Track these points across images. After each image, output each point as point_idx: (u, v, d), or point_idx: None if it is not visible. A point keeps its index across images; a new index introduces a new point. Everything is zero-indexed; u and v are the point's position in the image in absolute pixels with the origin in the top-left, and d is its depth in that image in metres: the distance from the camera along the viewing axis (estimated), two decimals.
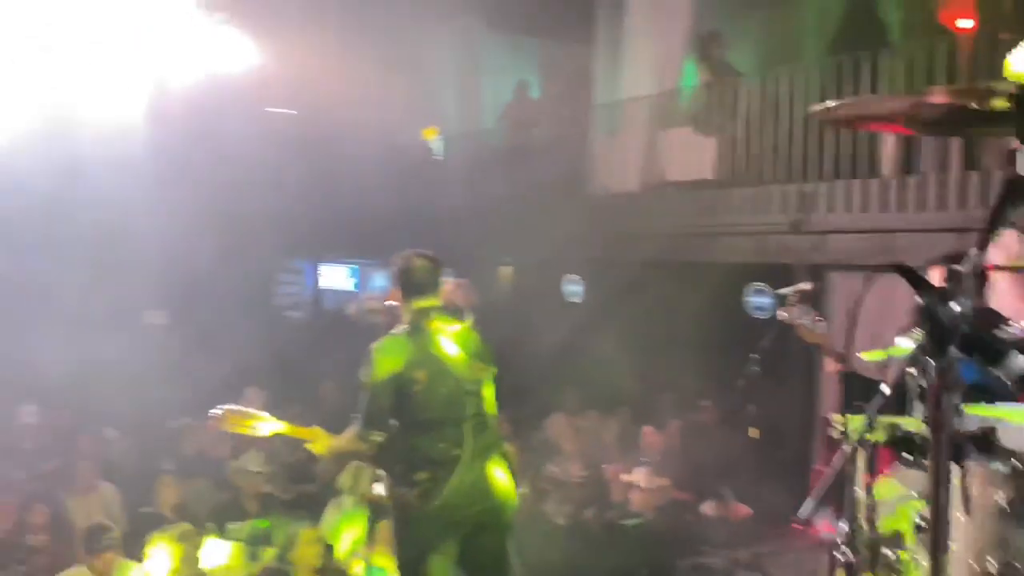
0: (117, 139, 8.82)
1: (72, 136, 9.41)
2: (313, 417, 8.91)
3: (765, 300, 8.45)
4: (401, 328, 3.80)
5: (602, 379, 9.76)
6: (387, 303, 4.11)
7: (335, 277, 16.16)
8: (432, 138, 13.18)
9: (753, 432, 5.60)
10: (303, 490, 7.35)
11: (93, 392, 7.52)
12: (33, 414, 7.69)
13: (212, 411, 3.98)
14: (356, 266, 15.93)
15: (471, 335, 3.90)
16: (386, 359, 3.67)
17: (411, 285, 3.85)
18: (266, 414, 4.04)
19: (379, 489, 3.96)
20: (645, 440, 7.79)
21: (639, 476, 6.67)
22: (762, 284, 8.41)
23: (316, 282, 15.90)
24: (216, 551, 6.09)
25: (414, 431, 3.67)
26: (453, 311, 3.97)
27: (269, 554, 5.84)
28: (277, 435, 4.18)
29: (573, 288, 11.09)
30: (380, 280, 16.10)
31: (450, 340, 3.78)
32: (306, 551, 5.29)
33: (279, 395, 9.36)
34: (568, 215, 9.72)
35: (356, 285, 16.18)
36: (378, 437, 3.66)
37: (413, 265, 3.88)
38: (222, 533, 6.23)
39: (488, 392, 3.90)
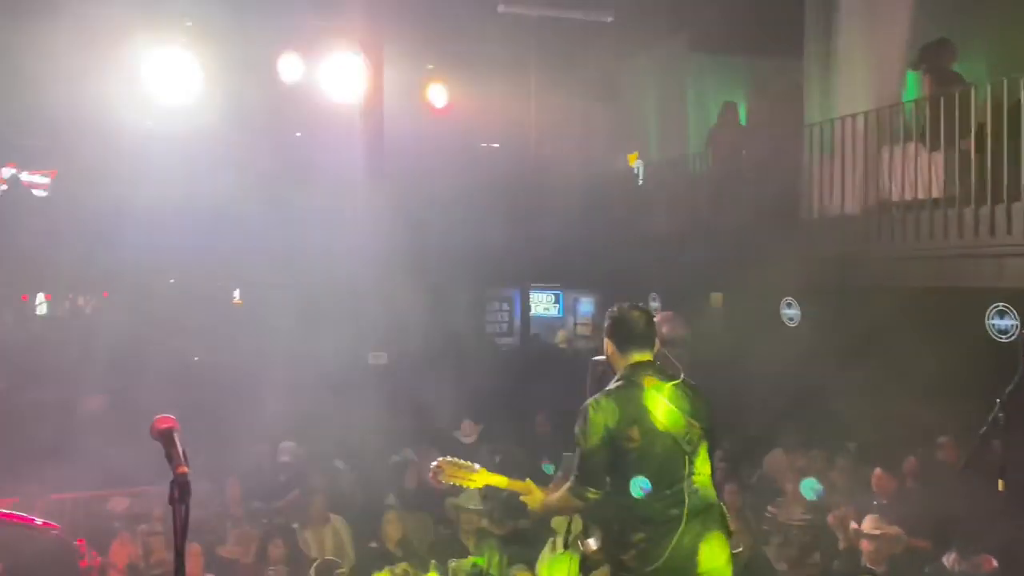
0: (336, 187, 9.47)
1: (298, 186, 10.24)
2: (526, 446, 9.15)
3: (1009, 323, 7.72)
4: (615, 384, 3.75)
5: (825, 413, 9.26)
6: (597, 359, 4.07)
7: (542, 304, 16.45)
8: (635, 164, 13.10)
9: (1001, 485, 5.07)
10: (518, 526, 7.45)
11: (323, 429, 7.99)
12: (288, 452, 8.26)
13: (432, 464, 4.08)
14: (561, 292, 16.17)
15: (686, 391, 3.78)
16: (600, 416, 3.61)
17: (625, 338, 3.79)
18: (478, 467, 4.10)
19: (592, 543, 3.90)
20: (876, 481, 7.26)
21: (869, 523, 6.21)
22: (1006, 304, 7.70)
23: (524, 309, 16.25)
24: None
25: (630, 490, 3.59)
26: (667, 369, 3.85)
27: None
28: (497, 480, 4.21)
29: (790, 314, 10.62)
30: (585, 306, 16.23)
31: (665, 397, 3.68)
32: None
33: (493, 426, 9.62)
34: (781, 240, 9.31)
35: (561, 311, 16.41)
36: (593, 495, 3.60)
37: (628, 318, 3.82)
38: (442, 570, 6.43)
39: (704, 451, 3.76)
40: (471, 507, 6.60)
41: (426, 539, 7.04)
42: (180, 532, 2.09)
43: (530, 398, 11.09)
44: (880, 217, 8.16)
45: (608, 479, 3.64)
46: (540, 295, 16.30)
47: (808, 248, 9.05)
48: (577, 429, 3.66)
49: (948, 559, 6.04)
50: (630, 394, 3.66)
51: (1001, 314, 7.75)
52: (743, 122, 11.52)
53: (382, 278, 9.02)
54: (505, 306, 16.26)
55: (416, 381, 9.44)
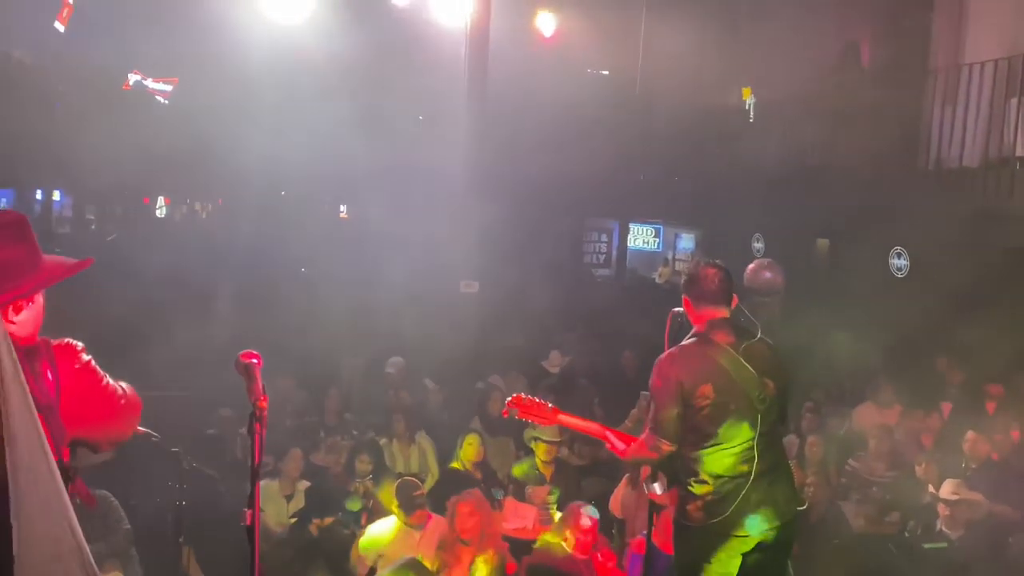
0: (440, 113, 9.56)
1: (403, 109, 10.40)
2: (612, 382, 9.23)
3: None
4: (690, 339, 3.77)
5: (924, 370, 9.01)
6: (677, 310, 4.07)
7: (641, 237, 16.33)
8: (748, 100, 12.69)
9: None
10: (597, 456, 7.59)
11: (415, 351, 8.24)
12: (394, 366, 8.57)
13: (508, 399, 4.20)
14: (662, 226, 15.99)
15: (762, 348, 3.77)
16: (675, 371, 3.66)
17: (701, 295, 3.79)
18: (550, 405, 4.20)
19: (657, 488, 3.98)
20: (968, 446, 7.05)
21: (948, 487, 6.07)
22: None
23: (623, 242, 16.17)
24: (514, 512, 6.54)
25: (702, 444, 3.63)
26: (744, 326, 3.85)
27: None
28: (570, 420, 4.30)
29: (899, 265, 10.27)
30: (686, 242, 16.03)
31: (740, 354, 3.69)
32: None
33: (582, 359, 9.72)
34: (895, 189, 8.96)
35: (661, 245, 16.26)
36: (667, 448, 3.65)
37: (705, 275, 3.81)
38: (521, 497, 6.65)
39: (777, 409, 3.77)
40: (547, 438, 6.74)
41: (505, 464, 7.25)
42: (257, 459, 2.27)
43: (622, 332, 11.13)
44: (1000, 172, 7.75)
45: (681, 433, 3.68)
46: (640, 228, 16.17)
47: (922, 200, 8.69)
48: (652, 383, 3.71)
49: None
50: (705, 350, 3.68)
51: None
52: (863, 64, 10.98)
53: (479, 205, 9.11)
54: (604, 238, 16.23)
55: (507, 309, 9.58)
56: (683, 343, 3.77)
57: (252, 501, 2.20)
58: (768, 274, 8.54)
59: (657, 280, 15.36)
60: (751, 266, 8.90)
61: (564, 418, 4.19)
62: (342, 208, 16.61)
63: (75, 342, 2.63)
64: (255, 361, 2.53)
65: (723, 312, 3.78)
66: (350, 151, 11.22)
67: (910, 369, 9.24)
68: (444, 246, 8.56)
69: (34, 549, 1.67)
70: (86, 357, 2.63)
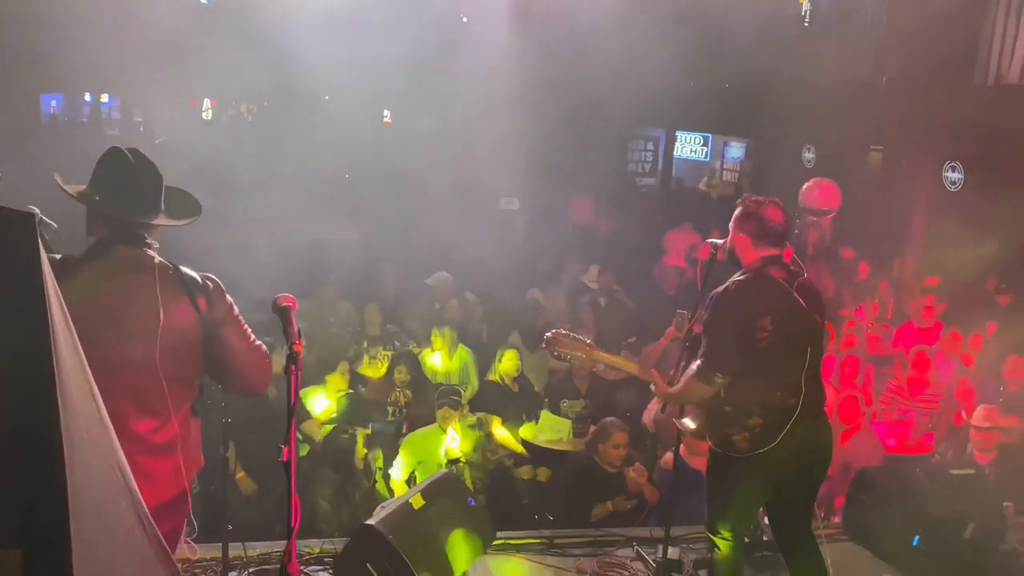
0: (484, 17, 9.30)
1: (448, 14, 10.16)
2: (653, 301, 9.26)
3: None
4: (745, 274, 3.75)
5: (973, 288, 8.88)
6: (716, 242, 4.05)
7: (688, 146, 16.02)
8: (804, 3, 12.21)
9: None
10: (645, 373, 7.67)
11: (458, 265, 8.30)
12: (437, 279, 8.69)
13: (547, 334, 4.26)
14: (711, 135, 15.65)
15: (808, 286, 3.78)
16: (733, 305, 3.67)
17: (764, 234, 3.75)
18: (588, 341, 4.25)
19: (688, 423, 4.06)
20: (1007, 369, 7.02)
21: (981, 412, 6.07)
22: None
23: (668, 150, 15.87)
24: (550, 425, 6.71)
25: (753, 377, 3.66)
26: (792, 266, 3.83)
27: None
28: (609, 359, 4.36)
29: (953, 178, 10.03)
30: (735, 151, 15.71)
31: (794, 290, 3.70)
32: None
33: (623, 273, 9.71)
34: (950, 102, 8.67)
35: (709, 155, 15.96)
36: (720, 379, 3.65)
37: (770, 215, 3.75)
38: (555, 410, 6.81)
39: (823, 345, 3.81)
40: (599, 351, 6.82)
41: (542, 378, 7.38)
42: (293, 397, 2.37)
43: (663, 245, 11.07)
44: None
45: (737, 366, 3.68)
46: (688, 136, 15.84)
47: (978, 114, 8.41)
48: (709, 317, 3.71)
49: None
50: (762, 286, 3.68)
51: None
52: None
53: (520, 114, 8.93)
54: (650, 146, 15.92)
55: (548, 223, 9.55)
56: (738, 278, 3.74)
57: (288, 438, 2.31)
58: (823, 193, 8.42)
59: (704, 190, 15.14)
60: (807, 185, 8.76)
61: (601, 355, 4.24)
62: (386, 113, 16.47)
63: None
64: (290, 305, 2.61)
65: (778, 251, 3.77)
66: (393, 54, 11.07)
67: (958, 287, 9.12)
68: (485, 158, 8.49)
69: (86, 490, 1.78)
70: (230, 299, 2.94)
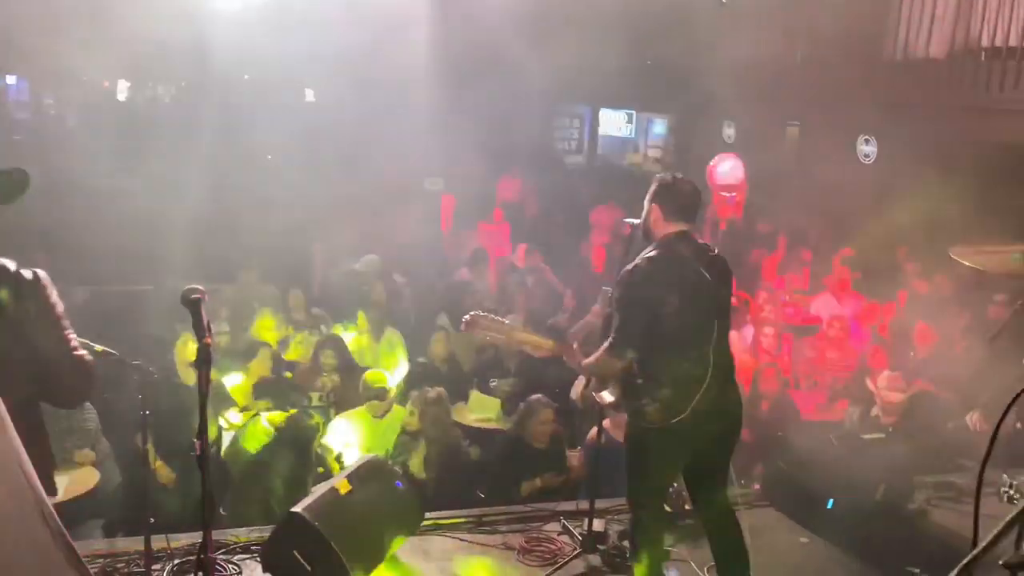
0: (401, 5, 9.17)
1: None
2: (579, 277, 9.35)
3: None
4: (654, 251, 3.83)
5: (885, 259, 9.18)
6: (633, 221, 4.11)
7: (613, 123, 16.15)
8: None
9: None
10: (562, 351, 7.76)
11: (385, 246, 8.25)
12: (365, 263, 8.63)
13: (465, 316, 4.28)
14: (635, 112, 15.80)
15: (716, 260, 3.87)
16: (640, 282, 3.74)
17: (674, 207, 3.83)
18: (507, 322, 4.28)
19: (606, 396, 4.13)
20: (917, 336, 7.32)
21: (884, 380, 6.33)
22: None
23: (594, 128, 15.99)
24: (479, 405, 6.76)
25: (663, 351, 3.75)
26: (700, 241, 3.92)
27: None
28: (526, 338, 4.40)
29: (867, 151, 10.34)
30: (659, 128, 15.91)
31: (702, 265, 3.79)
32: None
33: (551, 250, 9.79)
34: (862, 77, 8.92)
35: (634, 132, 16.12)
36: (632, 355, 3.77)
37: (681, 188, 3.84)
38: (484, 389, 6.86)
39: (729, 316, 3.91)
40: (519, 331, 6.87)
41: (470, 359, 7.42)
42: (204, 394, 2.34)
43: (590, 222, 11.17)
44: (965, 63, 7.72)
45: (645, 341, 3.77)
46: (612, 114, 15.97)
47: (889, 89, 8.68)
48: (617, 295, 3.79)
49: (971, 419, 6.16)
50: (669, 262, 3.76)
51: None
52: None
53: (446, 93, 8.87)
54: (576, 123, 16.01)
55: (474, 204, 9.53)
56: (648, 254, 3.82)
57: (201, 432, 2.29)
58: (728, 168, 8.59)
59: (628, 166, 15.31)
60: (713, 161, 8.94)
61: (520, 335, 4.28)
62: (308, 92, 16.19)
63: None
64: (200, 296, 2.54)
65: (687, 226, 3.85)
66: (314, 33, 10.89)
67: (871, 258, 9.43)
68: (409, 138, 8.42)
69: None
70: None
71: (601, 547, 4.70)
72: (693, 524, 4.73)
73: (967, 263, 1.87)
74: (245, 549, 4.45)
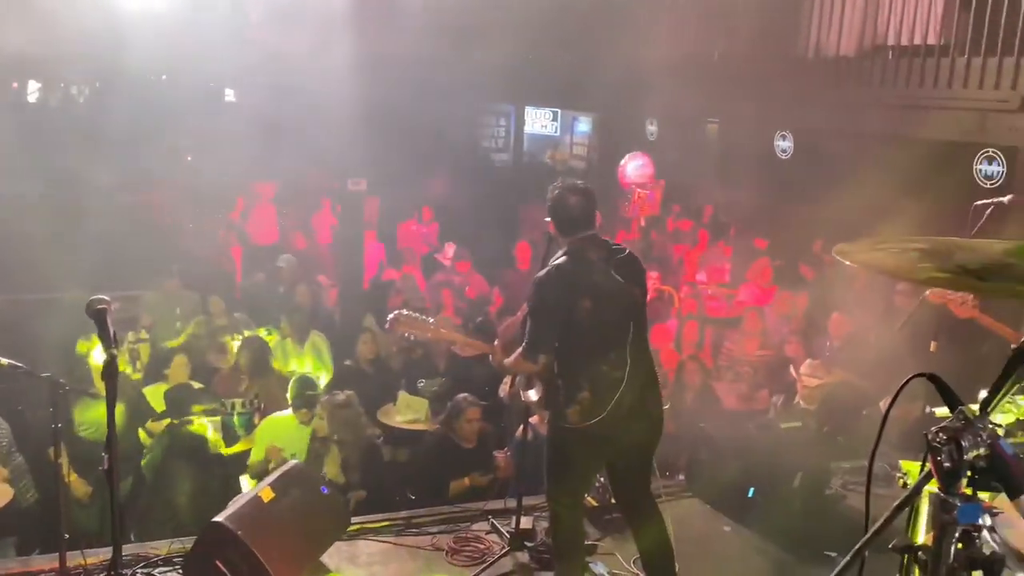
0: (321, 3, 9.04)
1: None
2: (503, 276, 9.38)
3: (997, 168, 7.76)
4: (563, 257, 3.87)
5: (803, 251, 9.44)
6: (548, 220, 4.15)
7: (539, 121, 16.22)
8: None
9: (933, 347, 5.35)
10: (485, 349, 7.78)
11: (308, 248, 8.15)
12: (285, 261, 8.52)
13: (389, 316, 4.27)
14: (559, 110, 15.88)
15: (628, 260, 3.92)
16: (552, 288, 3.79)
17: (567, 221, 3.89)
18: (431, 321, 4.30)
19: (532, 395, 4.18)
20: (832, 325, 7.53)
21: (806, 367, 6.52)
22: (994, 149, 7.68)
23: (519, 126, 16.02)
24: (407, 405, 6.74)
25: (579, 354, 3.81)
26: (611, 243, 3.98)
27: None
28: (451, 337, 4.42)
29: (784, 147, 10.59)
30: (583, 126, 16.03)
31: (612, 267, 3.84)
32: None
33: (478, 247, 9.78)
34: (777, 74, 9.14)
35: (559, 130, 16.20)
36: (544, 359, 3.83)
37: (568, 203, 3.89)
38: (413, 390, 6.84)
39: (645, 315, 3.97)
40: (444, 329, 6.87)
41: (398, 360, 7.39)
42: (111, 405, 2.30)
43: (518, 219, 11.23)
44: (874, 61, 7.99)
45: (559, 345, 3.83)
46: (537, 112, 16.03)
47: (803, 86, 8.91)
48: (529, 300, 3.84)
49: (884, 405, 6.37)
50: (579, 267, 3.81)
51: (991, 160, 7.77)
52: None
53: (370, 92, 8.77)
54: (502, 121, 16.03)
55: (400, 204, 9.48)
56: (556, 261, 3.87)
57: (109, 445, 2.24)
58: (637, 166, 8.74)
59: (549, 163, 15.40)
60: (623, 161, 9.07)
61: (446, 334, 4.30)
62: (228, 92, 15.85)
63: None
64: (104, 307, 2.49)
65: (591, 231, 3.91)
66: (232, 30, 10.69)
67: (789, 250, 9.69)
68: (331, 140, 8.32)
69: None
70: None
71: (529, 544, 4.73)
72: (619, 518, 4.81)
73: (848, 263, 1.95)
74: (167, 562, 4.37)
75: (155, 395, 6.15)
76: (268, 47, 10.95)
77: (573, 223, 3.87)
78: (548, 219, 3.97)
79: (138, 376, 6.68)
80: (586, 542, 4.45)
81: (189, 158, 13.25)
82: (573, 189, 3.92)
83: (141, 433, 5.97)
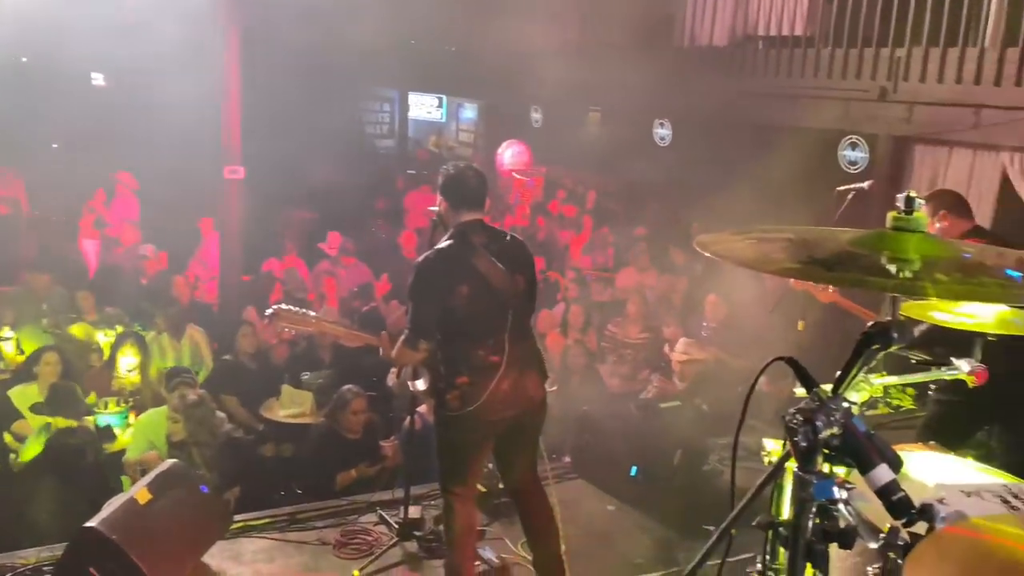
0: None
1: None
2: (389, 265, 9.29)
3: (860, 155, 8.18)
4: (446, 242, 3.87)
5: (681, 235, 9.71)
6: (434, 210, 4.14)
7: (424, 107, 16.14)
8: None
9: (800, 325, 5.60)
10: (371, 341, 7.73)
11: (184, 239, 7.89)
12: (152, 252, 8.20)
13: (267, 311, 4.18)
14: (444, 97, 15.85)
15: (513, 247, 3.95)
16: (431, 273, 3.78)
17: (459, 197, 3.88)
18: (314, 315, 4.23)
19: (419, 384, 4.17)
20: (708, 307, 7.80)
21: (680, 346, 6.76)
22: (857, 136, 8.08)
23: (403, 112, 15.91)
24: (290, 399, 6.61)
25: (457, 340, 3.82)
26: (496, 229, 4.00)
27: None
28: (333, 330, 4.37)
29: (662, 134, 10.87)
30: (468, 112, 16.05)
31: (494, 254, 3.85)
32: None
33: (359, 241, 9.66)
34: (655, 63, 9.36)
35: (445, 116, 16.17)
36: (426, 345, 3.83)
37: (464, 177, 3.89)
38: (296, 383, 6.72)
39: (527, 302, 4.01)
40: (329, 320, 6.78)
41: (282, 352, 7.24)
42: None
43: (403, 207, 11.15)
44: (745, 51, 8.28)
45: (438, 331, 3.84)
46: (422, 98, 15.95)
47: (680, 75, 9.16)
48: (410, 285, 3.83)
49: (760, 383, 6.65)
50: (461, 252, 3.81)
51: (854, 146, 8.19)
52: None
53: (248, 77, 8.50)
54: (386, 107, 15.87)
55: (282, 190, 9.27)
56: (440, 246, 3.86)
57: None
58: (513, 154, 8.84)
59: (434, 150, 15.36)
60: (500, 149, 9.13)
61: (327, 327, 4.24)
62: (96, 76, 15.11)
63: None
64: None
65: (478, 214, 3.91)
66: (100, 11, 10.18)
67: (668, 234, 9.96)
68: (207, 127, 8.04)
69: None
70: None
71: (418, 533, 4.73)
72: (507, 502, 4.87)
73: (707, 254, 2.04)
74: (36, 571, 4.17)
75: (22, 396, 5.84)
76: (139, 30, 10.51)
77: (465, 200, 3.86)
78: (438, 199, 3.94)
79: (4, 377, 6.33)
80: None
81: (55, 145, 12.61)
82: (469, 167, 3.93)
83: (7, 436, 5.68)
